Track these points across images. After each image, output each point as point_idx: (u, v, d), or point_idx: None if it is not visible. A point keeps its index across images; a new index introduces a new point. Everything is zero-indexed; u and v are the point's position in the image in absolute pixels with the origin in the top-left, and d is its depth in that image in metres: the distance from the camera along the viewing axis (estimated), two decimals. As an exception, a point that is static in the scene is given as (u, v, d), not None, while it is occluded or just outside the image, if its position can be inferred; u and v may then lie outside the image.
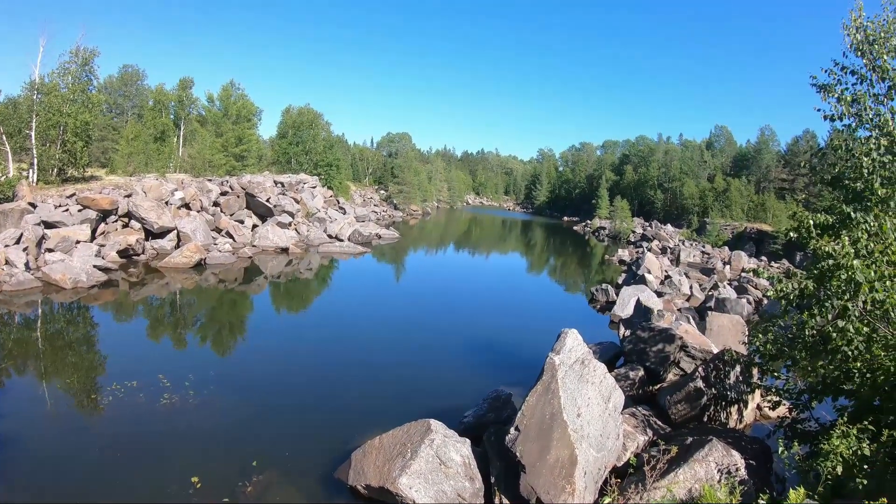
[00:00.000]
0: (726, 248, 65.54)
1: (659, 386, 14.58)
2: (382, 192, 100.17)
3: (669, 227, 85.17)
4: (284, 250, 35.81)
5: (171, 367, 14.51)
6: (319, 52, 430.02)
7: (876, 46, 8.82)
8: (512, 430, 8.81)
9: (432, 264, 42.95)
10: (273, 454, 10.32)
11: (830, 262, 8.50)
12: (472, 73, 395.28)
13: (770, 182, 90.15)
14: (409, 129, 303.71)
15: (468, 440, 9.69)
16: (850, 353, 8.13)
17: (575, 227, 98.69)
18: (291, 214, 41.15)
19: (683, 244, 65.05)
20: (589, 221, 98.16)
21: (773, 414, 12.43)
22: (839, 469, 6.96)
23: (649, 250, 52.48)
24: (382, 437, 9.56)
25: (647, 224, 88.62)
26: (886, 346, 7.71)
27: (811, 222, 9.28)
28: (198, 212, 34.33)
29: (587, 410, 9.07)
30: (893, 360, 7.52)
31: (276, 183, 46.61)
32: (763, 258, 59.08)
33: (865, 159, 8.73)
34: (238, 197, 39.05)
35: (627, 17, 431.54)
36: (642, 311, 21.79)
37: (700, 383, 12.54)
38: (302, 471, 9.97)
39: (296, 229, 40.70)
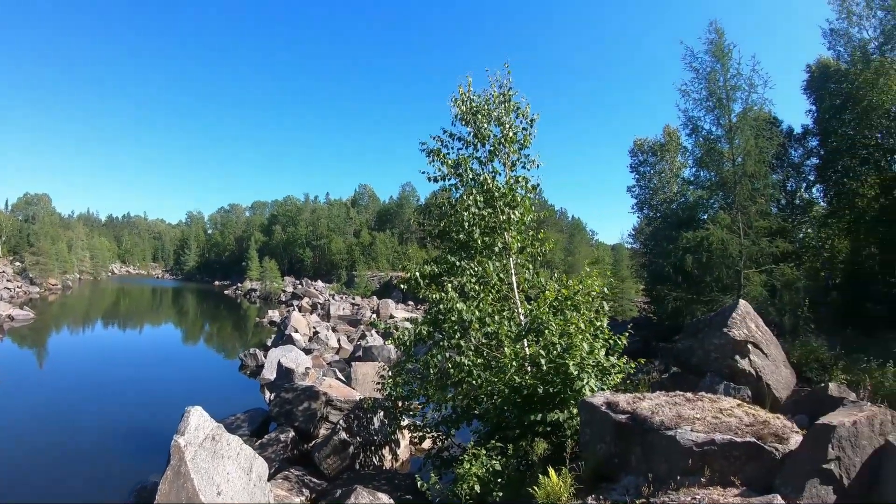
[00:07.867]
0: (374, 297, 71.12)
1: (312, 444, 14.50)
2: (18, 263, 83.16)
3: (320, 283, 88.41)
4: None
5: None
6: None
7: (479, 116, 10.50)
8: (149, 524, 7.51)
9: (74, 346, 35.90)
10: None
11: (441, 307, 9.61)
12: (114, 126, 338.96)
13: (412, 233, 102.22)
14: (49, 189, 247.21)
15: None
16: (473, 382, 9.21)
17: (227, 291, 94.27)
18: None
19: (333, 298, 67.93)
20: (240, 284, 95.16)
21: (425, 446, 13.29)
22: (477, 488, 7.62)
23: (298, 309, 53.33)
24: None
25: (298, 282, 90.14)
26: (498, 372, 8.95)
27: (418, 274, 10.42)
28: None
29: (228, 486, 8.57)
30: (504, 384, 8.75)
31: None
32: (410, 302, 65.63)
33: (466, 213, 10.19)
34: None
35: (268, 80, 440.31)
36: (284, 373, 21.67)
37: (343, 434, 12.92)
38: None
39: None
